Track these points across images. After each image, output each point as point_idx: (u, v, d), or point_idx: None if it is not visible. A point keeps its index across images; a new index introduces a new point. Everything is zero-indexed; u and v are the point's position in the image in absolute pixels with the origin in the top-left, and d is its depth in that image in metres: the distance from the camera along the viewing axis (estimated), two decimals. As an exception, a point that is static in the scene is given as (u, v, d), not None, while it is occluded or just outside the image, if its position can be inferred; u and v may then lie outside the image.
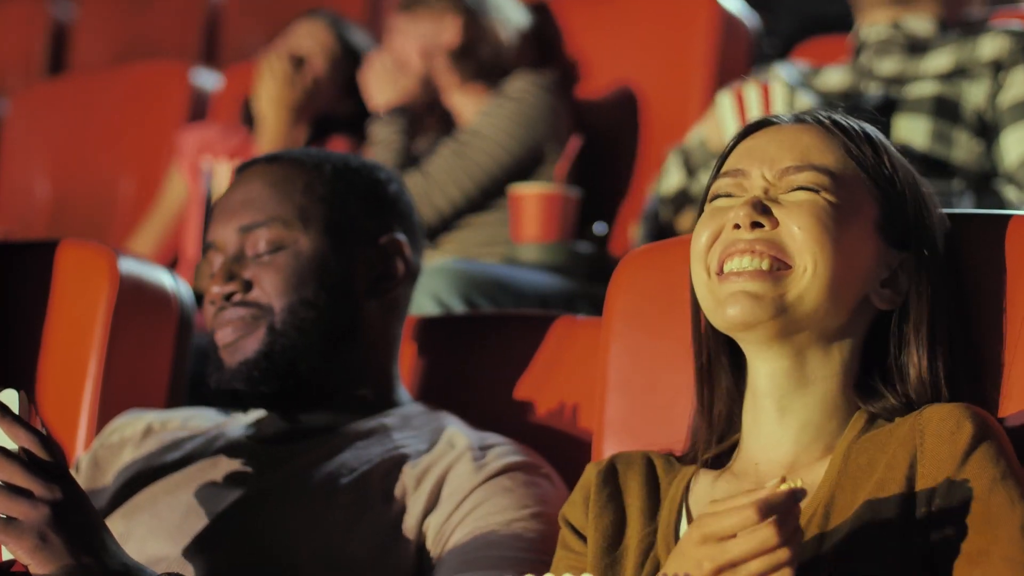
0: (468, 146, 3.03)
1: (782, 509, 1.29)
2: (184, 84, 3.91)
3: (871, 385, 1.52)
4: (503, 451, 1.82)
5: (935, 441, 1.41)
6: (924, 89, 2.65)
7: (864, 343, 1.52)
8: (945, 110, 2.63)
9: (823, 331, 1.49)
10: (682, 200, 2.83)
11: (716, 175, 1.56)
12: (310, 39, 3.50)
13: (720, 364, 1.57)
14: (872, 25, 2.80)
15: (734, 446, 1.57)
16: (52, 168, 4.03)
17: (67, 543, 1.51)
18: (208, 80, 3.97)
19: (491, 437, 1.86)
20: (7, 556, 1.53)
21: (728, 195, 1.53)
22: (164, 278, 2.21)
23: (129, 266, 2.16)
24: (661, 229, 2.83)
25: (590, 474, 1.58)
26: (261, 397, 1.87)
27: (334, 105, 3.46)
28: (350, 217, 1.92)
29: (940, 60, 2.69)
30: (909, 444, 1.42)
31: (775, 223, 1.48)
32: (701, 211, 1.55)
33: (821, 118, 1.55)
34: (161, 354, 2.18)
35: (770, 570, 1.29)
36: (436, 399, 2.00)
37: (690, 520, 1.52)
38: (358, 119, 3.40)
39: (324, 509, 1.77)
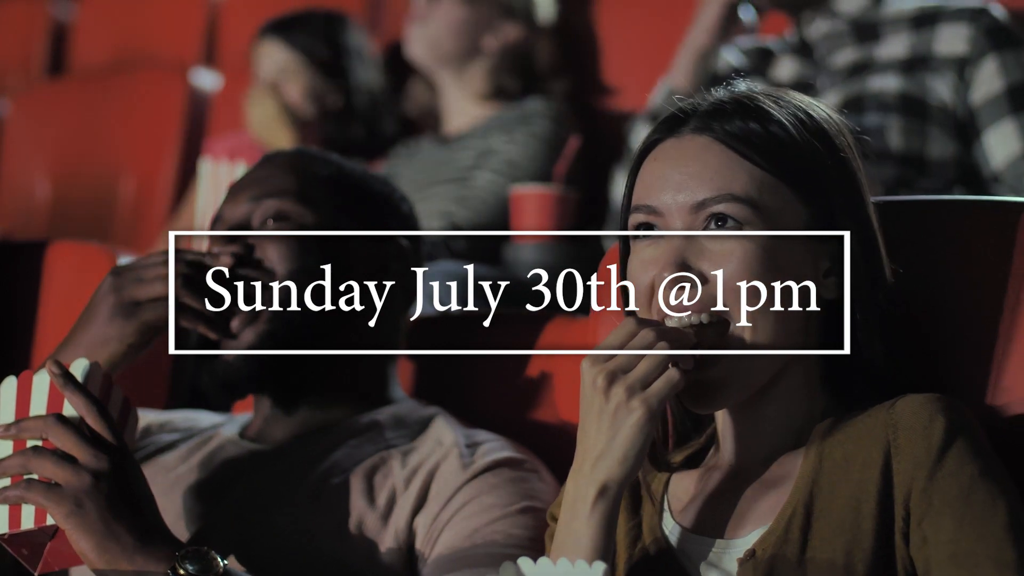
0: (505, 176, 3.03)
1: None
2: (183, 85, 3.90)
3: (837, 373, 1.50)
4: (490, 448, 1.82)
5: (908, 436, 1.40)
6: (887, 83, 2.59)
7: (825, 332, 1.50)
8: (912, 107, 2.57)
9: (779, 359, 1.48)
10: None
11: (629, 204, 1.52)
12: (268, 62, 3.46)
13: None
14: (810, 20, 2.71)
15: (710, 442, 1.57)
16: (52, 168, 4.03)
17: (102, 513, 1.54)
18: (208, 81, 3.97)
19: (480, 434, 1.85)
20: (51, 522, 1.56)
21: (649, 229, 1.49)
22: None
23: (125, 265, 2.15)
24: None
25: None
26: (257, 382, 1.86)
27: (343, 131, 3.42)
28: (355, 214, 1.92)
29: (895, 47, 2.62)
30: (882, 440, 1.41)
31: (703, 278, 1.45)
32: (623, 234, 1.52)
33: (720, 135, 1.48)
34: (160, 355, 2.18)
35: (656, 369, 1.40)
36: (434, 399, 1.99)
37: (672, 515, 1.53)
38: (372, 140, 3.39)
39: (315, 510, 1.77)
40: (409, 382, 2.08)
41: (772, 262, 1.45)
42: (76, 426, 1.57)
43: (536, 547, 1.67)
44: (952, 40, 2.58)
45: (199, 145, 3.79)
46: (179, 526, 1.80)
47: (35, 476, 1.56)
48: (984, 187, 2.58)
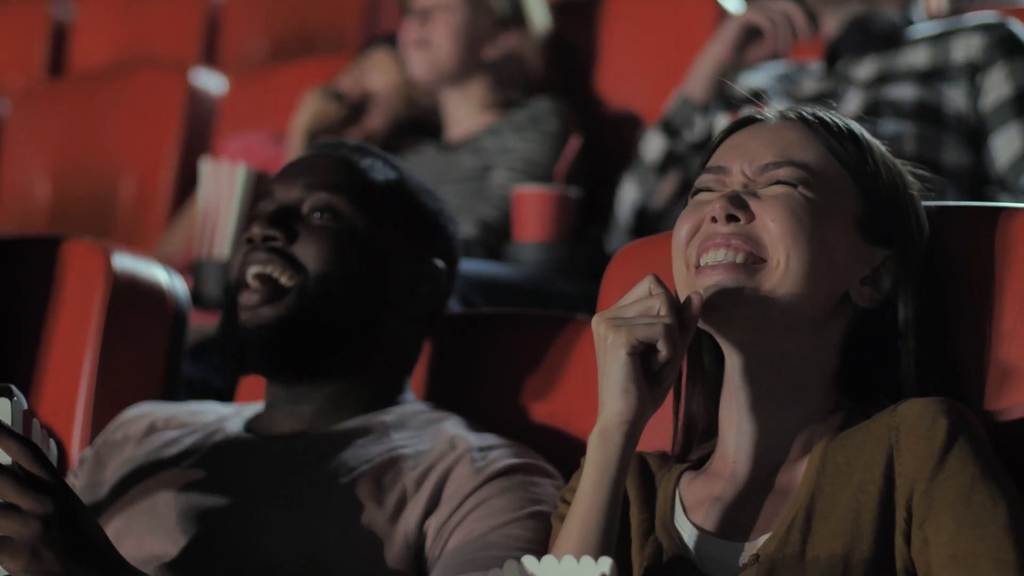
0: (523, 173, 3.04)
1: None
2: (183, 85, 3.90)
3: (854, 383, 1.52)
4: (503, 453, 1.81)
5: (910, 438, 1.41)
6: (904, 92, 2.63)
7: (847, 341, 1.52)
8: (928, 115, 2.60)
9: (799, 326, 1.49)
10: (668, 162, 2.84)
11: (701, 171, 1.57)
12: (381, 74, 3.45)
13: (699, 361, 1.58)
14: (840, 28, 2.75)
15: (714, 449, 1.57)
16: (52, 168, 4.02)
17: (60, 559, 1.49)
18: (207, 81, 3.97)
19: (491, 438, 1.85)
20: (3, 573, 1.51)
21: (709, 190, 1.54)
22: (159, 274, 2.20)
23: (123, 263, 2.16)
24: (643, 223, 2.84)
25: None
26: (268, 360, 1.85)
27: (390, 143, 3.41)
28: (402, 227, 1.92)
29: (917, 56, 2.66)
30: (885, 442, 1.42)
31: (750, 217, 1.49)
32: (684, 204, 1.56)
33: (805, 115, 1.56)
34: (156, 350, 2.18)
35: (645, 315, 1.45)
36: (436, 399, 1.99)
37: (684, 511, 1.53)
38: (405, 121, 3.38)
39: (321, 510, 1.77)
40: (420, 379, 2.08)
41: (819, 226, 1.48)
42: (13, 472, 1.50)
43: (546, 551, 1.66)
44: (966, 49, 2.63)
45: (199, 145, 3.79)
46: (182, 525, 1.79)
47: None
48: (989, 193, 2.60)
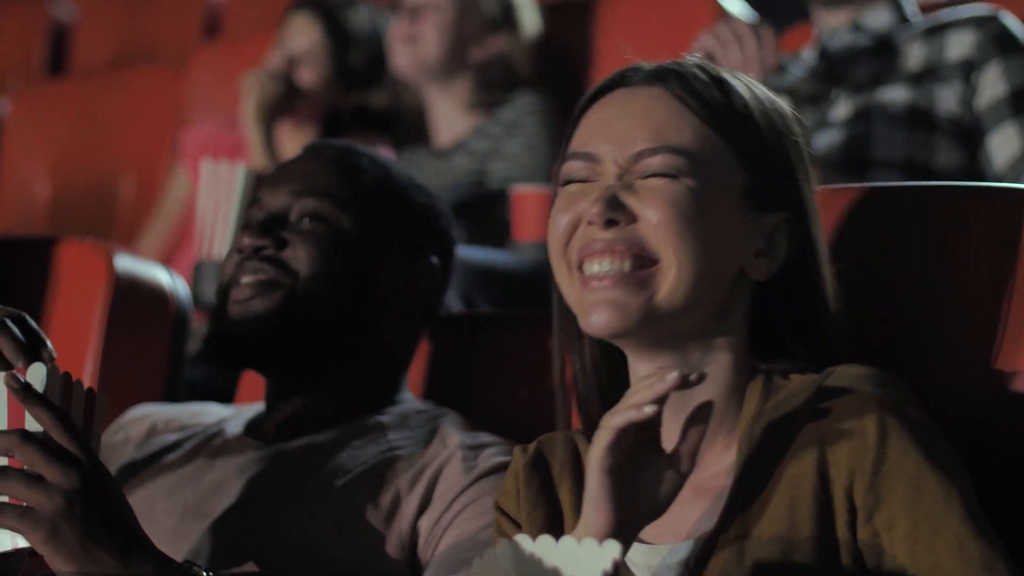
0: (520, 170, 3.05)
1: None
2: (184, 85, 3.91)
3: (766, 349, 1.44)
4: (494, 451, 1.81)
5: (840, 424, 1.33)
6: (896, 95, 2.60)
7: (750, 312, 1.44)
8: (919, 119, 2.58)
9: (700, 320, 1.41)
10: None
11: (565, 154, 1.44)
12: (300, 36, 3.47)
13: (597, 361, 1.48)
14: (833, 31, 2.72)
15: None
16: (52, 168, 4.03)
17: (79, 536, 1.48)
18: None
19: (484, 437, 1.85)
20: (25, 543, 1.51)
21: (582, 180, 1.42)
22: (161, 276, 2.20)
23: (125, 264, 2.15)
24: None
25: (518, 463, 1.51)
26: (259, 352, 1.85)
27: (340, 99, 3.44)
28: (392, 226, 1.92)
29: (909, 56, 2.63)
30: (812, 429, 1.34)
31: (631, 218, 1.38)
32: (554, 195, 1.44)
33: (673, 84, 1.42)
34: (158, 352, 2.18)
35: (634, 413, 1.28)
36: (436, 399, 1.99)
37: None
38: (363, 112, 3.39)
39: (318, 512, 1.77)
40: (420, 379, 2.08)
41: (705, 216, 1.38)
42: (42, 441, 1.49)
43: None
44: (959, 45, 2.59)
45: (199, 145, 3.79)
46: (181, 528, 1.80)
47: (5, 499, 1.49)
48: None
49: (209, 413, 2.00)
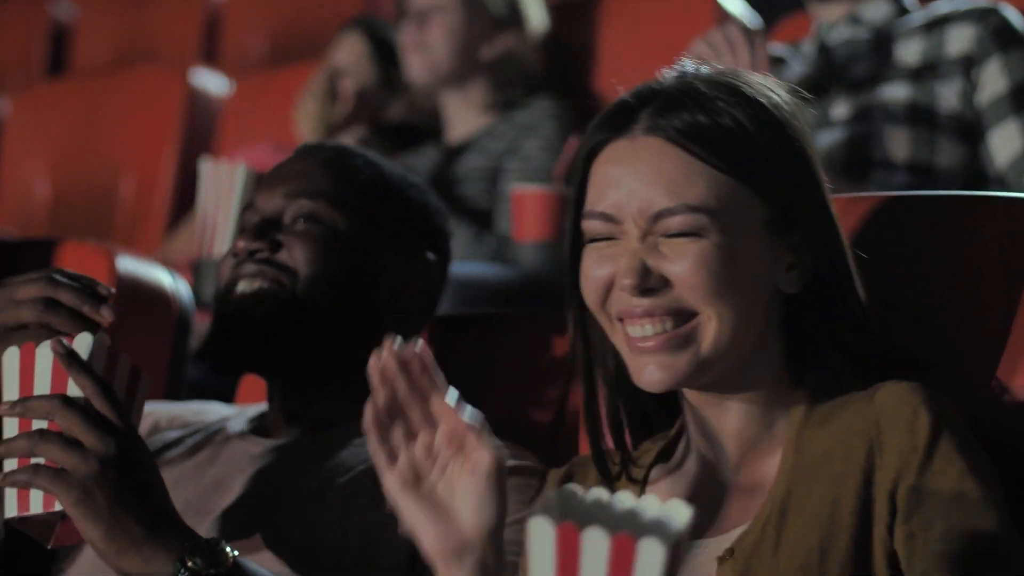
0: (533, 172, 3.06)
1: None
2: (183, 85, 3.91)
3: (801, 363, 1.47)
4: (495, 450, 1.81)
5: (892, 432, 1.37)
6: (896, 93, 2.59)
7: (788, 324, 1.47)
8: (920, 117, 2.57)
9: (743, 352, 1.44)
10: None
11: (580, 209, 1.46)
12: (345, 51, 3.50)
13: (603, 363, 1.51)
14: (831, 26, 2.72)
15: (677, 436, 1.52)
16: (52, 168, 4.03)
17: (110, 502, 1.50)
18: (207, 81, 3.98)
19: (486, 439, 1.85)
20: (59, 507, 1.53)
21: (608, 238, 1.44)
22: (163, 277, 2.20)
23: (127, 265, 2.16)
24: None
25: (551, 484, 1.57)
26: (258, 352, 1.86)
27: (383, 108, 3.46)
28: (388, 225, 1.92)
29: (908, 53, 2.62)
30: (864, 435, 1.38)
31: (664, 282, 1.40)
32: (573, 242, 1.47)
33: (674, 136, 1.43)
34: (160, 353, 2.18)
35: None
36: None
37: None
38: (406, 124, 3.41)
39: (319, 510, 1.77)
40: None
41: (735, 266, 1.41)
42: (83, 408, 1.53)
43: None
44: (960, 40, 2.58)
45: (199, 145, 3.80)
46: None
47: (42, 460, 1.52)
48: (988, 188, 2.57)
49: (211, 411, 2.00)
